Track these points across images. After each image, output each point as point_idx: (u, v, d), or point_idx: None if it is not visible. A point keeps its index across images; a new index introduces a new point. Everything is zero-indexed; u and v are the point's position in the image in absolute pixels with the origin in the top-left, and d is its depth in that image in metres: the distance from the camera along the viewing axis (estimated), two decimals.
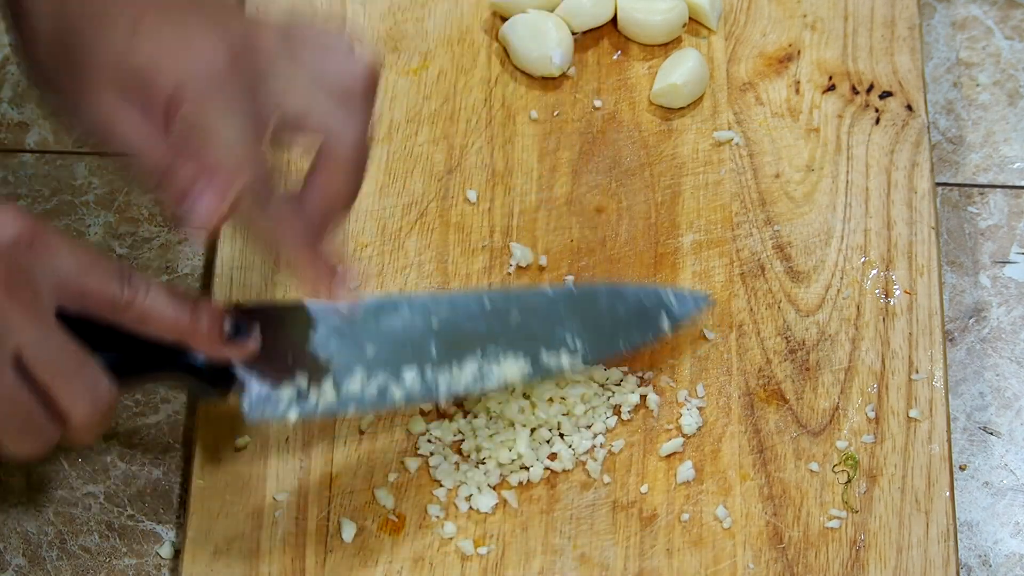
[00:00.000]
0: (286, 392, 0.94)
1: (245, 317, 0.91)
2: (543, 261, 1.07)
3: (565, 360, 0.99)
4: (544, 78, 1.14)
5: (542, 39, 1.13)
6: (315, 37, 0.89)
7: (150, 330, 0.88)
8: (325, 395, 0.94)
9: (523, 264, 1.07)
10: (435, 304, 0.98)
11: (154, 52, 0.84)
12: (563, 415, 1.01)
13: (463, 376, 0.97)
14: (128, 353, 0.90)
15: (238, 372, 0.93)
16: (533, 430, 1.00)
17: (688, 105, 1.13)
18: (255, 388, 0.93)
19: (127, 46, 0.84)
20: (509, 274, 1.07)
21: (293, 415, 0.94)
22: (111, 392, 0.87)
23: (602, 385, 1.02)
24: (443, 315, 0.98)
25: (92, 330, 0.87)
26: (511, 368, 0.98)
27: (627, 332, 1.01)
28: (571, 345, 0.99)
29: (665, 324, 1.02)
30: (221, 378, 0.93)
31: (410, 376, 0.96)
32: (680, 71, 1.12)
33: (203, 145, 0.84)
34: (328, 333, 0.95)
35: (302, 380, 0.94)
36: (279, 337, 0.94)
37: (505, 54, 1.15)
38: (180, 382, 0.96)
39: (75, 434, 0.87)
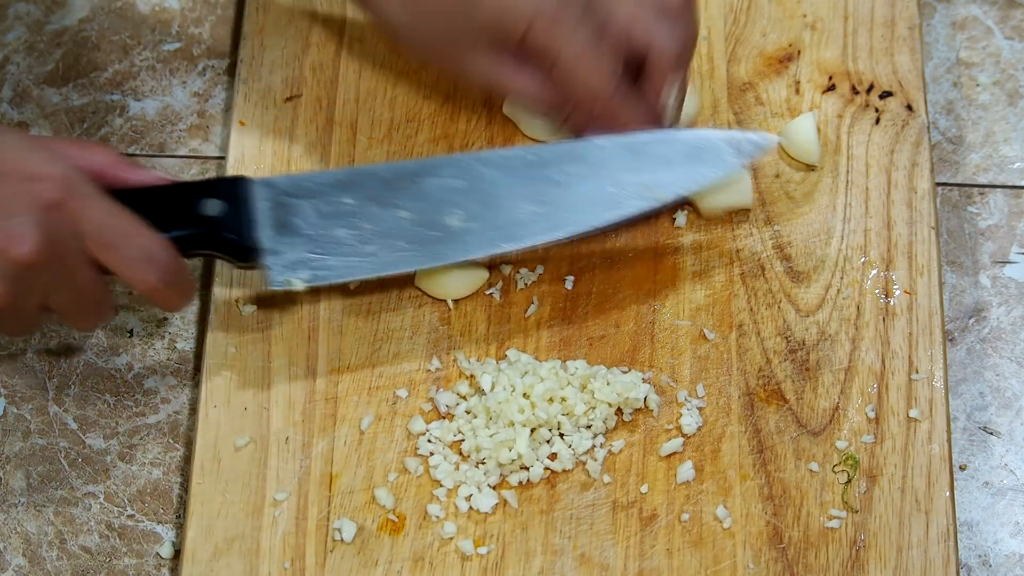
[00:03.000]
0: (306, 258, 1.01)
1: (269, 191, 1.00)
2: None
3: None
4: None
5: None
6: None
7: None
8: (341, 261, 1.01)
9: None
10: (472, 163, 1.03)
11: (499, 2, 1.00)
12: (563, 415, 1.01)
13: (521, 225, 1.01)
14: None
15: (264, 243, 1.00)
16: (533, 430, 1.00)
17: None
18: (279, 258, 1.00)
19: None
20: (509, 274, 1.07)
21: (304, 278, 1.01)
22: (171, 255, 0.95)
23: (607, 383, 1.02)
24: (478, 173, 1.03)
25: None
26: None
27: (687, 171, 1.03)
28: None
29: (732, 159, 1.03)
30: (249, 253, 1.00)
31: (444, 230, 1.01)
32: None
33: (557, 64, 1.00)
34: (355, 200, 1.02)
35: (320, 247, 1.01)
36: (302, 208, 1.01)
37: None
38: (215, 257, 1.02)
39: (156, 297, 0.96)
